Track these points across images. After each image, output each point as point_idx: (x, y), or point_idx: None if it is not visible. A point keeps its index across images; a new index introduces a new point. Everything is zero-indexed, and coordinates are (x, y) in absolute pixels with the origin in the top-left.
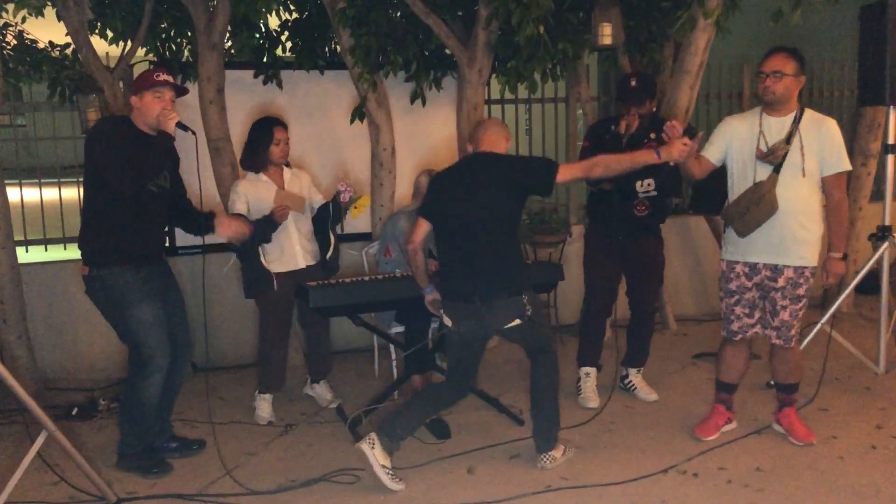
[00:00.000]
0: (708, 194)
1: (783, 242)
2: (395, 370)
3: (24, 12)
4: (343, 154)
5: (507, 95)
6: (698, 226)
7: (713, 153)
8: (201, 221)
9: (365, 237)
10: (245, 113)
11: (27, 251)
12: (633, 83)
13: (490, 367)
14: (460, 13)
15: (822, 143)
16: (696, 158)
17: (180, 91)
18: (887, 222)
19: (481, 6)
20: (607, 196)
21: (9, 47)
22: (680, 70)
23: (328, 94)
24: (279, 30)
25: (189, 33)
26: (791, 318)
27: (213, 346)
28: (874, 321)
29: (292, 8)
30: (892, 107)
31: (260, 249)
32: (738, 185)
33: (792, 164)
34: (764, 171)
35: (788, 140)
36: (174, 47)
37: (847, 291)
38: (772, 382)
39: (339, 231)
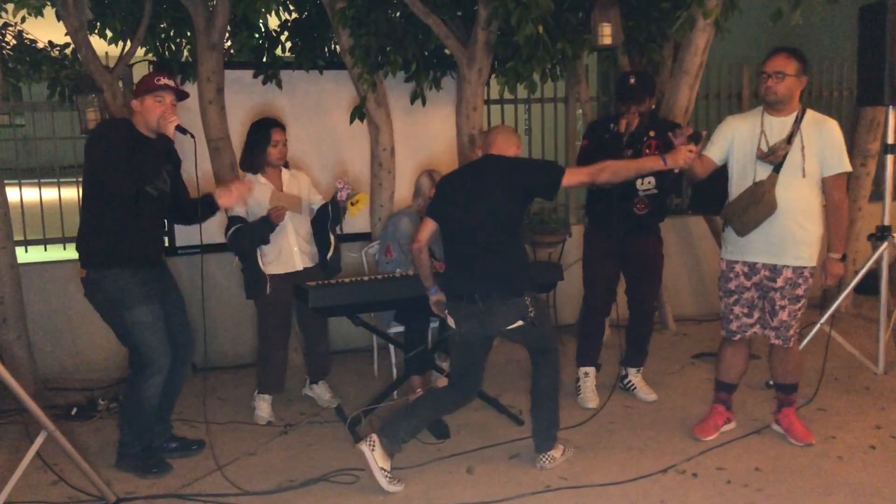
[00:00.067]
0: (707, 194)
1: (782, 242)
2: (394, 370)
3: (23, 12)
4: (342, 154)
5: (507, 95)
6: (698, 226)
7: (715, 153)
8: (202, 207)
9: (364, 237)
10: (244, 113)
11: (27, 251)
12: (633, 81)
13: (489, 367)
14: (460, 13)
15: (822, 143)
16: (699, 158)
17: (181, 95)
18: (886, 222)
19: (481, 6)
20: (607, 195)
21: (8, 47)
22: (679, 70)
23: (328, 95)
24: (279, 30)
25: (188, 33)
26: (790, 318)
27: (213, 346)
28: (873, 321)
29: (292, 8)
30: (891, 107)
31: (258, 251)
32: (738, 185)
33: (792, 165)
34: (764, 171)
35: (789, 140)
36: (173, 47)
37: (846, 291)
38: (771, 382)
39: (338, 231)
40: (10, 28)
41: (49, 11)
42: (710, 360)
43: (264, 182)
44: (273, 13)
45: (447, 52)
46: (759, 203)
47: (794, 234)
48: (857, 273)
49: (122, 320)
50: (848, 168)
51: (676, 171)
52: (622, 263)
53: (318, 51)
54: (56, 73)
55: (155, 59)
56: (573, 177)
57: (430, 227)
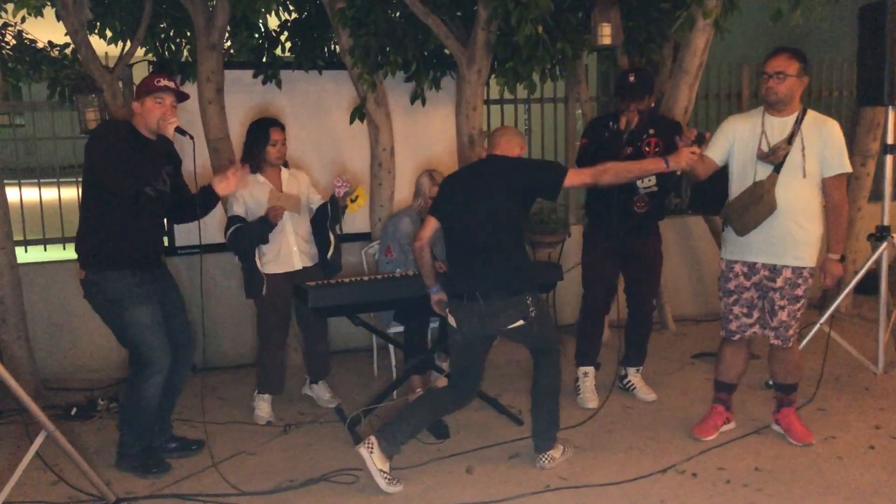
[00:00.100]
0: (707, 194)
1: (782, 242)
2: (394, 370)
3: (23, 12)
4: (342, 154)
5: (507, 95)
6: (697, 226)
7: (717, 153)
8: (201, 198)
9: (364, 237)
10: (244, 113)
11: (26, 251)
12: (632, 79)
13: (489, 366)
14: (459, 13)
15: (823, 143)
16: (700, 158)
17: (181, 96)
18: (886, 222)
19: (480, 6)
20: (606, 193)
21: (8, 47)
22: (679, 70)
23: (327, 95)
24: (278, 30)
25: (188, 33)
26: (789, 318)
27: (213, 346)
28: (873, 321)
29: (291, 8)
30: (890, 107)
31: (256, 251)
32: (738, 185)
33: (793, 165)
34: (765, 171)
35: (790, 140)
36: (173, 47)
37: (846, 292)
38: (770, 382)
39: (338, 231)
40: (10, 28)
41: (49, 11)
42: (709, 360)
43: (263, 181)
44: (273, 13)
45: (447, 52)
46: (759, 203)
47: (793, 234)
48: (856, 273)
49: (121, 321)
50: (848, 169)
51: (679, 172)
52: (622, 263)
53: (318, 51)
54: (56, 74)
55: (155, 59)
56: (576, 177)
57: (432, 225)
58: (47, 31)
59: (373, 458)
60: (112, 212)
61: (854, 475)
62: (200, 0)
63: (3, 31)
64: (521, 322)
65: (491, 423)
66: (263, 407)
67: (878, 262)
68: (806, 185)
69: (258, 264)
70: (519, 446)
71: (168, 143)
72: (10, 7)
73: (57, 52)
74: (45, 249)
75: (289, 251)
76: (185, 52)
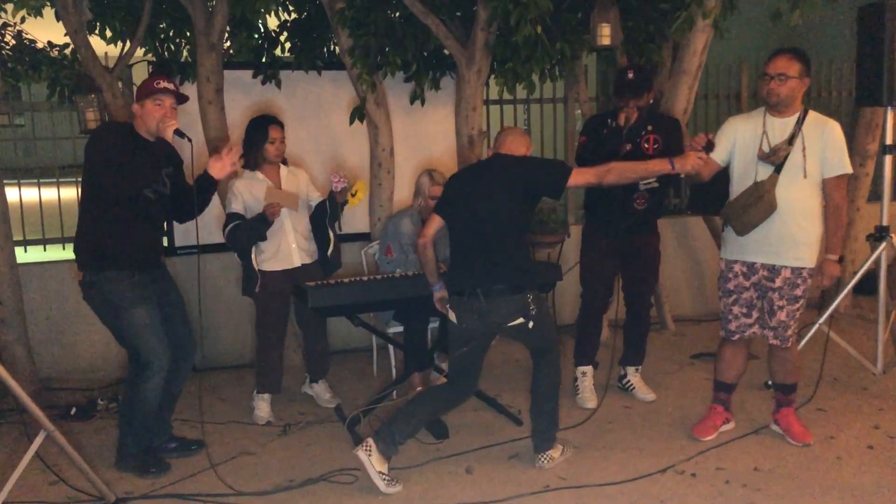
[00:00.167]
0: (706, 194)
1: (781, 243)
2: (393, 370)
3: (23, 12)
4: (342, 155)
5: (506, 96)
6: (696, 226)
7: (719, 154)
8: (198, 187)
9: (364, 237)
10: (244, 113)
11: (26, 251)
12: (631, 75)
13: (488, 366)
14: (459, 14)
15: (824, 144)
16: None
17: (181, 98)
18: (885, 223)
19: (480, 7)
20: (607, 190)
21: (8, 47)
22: (678, 71)
23: (327, 95)
24: (278, 30)
25: (188, 33)
26: (788, 318)
27: (213, 346)
28: (872, 321)
29: (291, 8)
30: (889, 108)
31: (253, 249)
32: (739, 185)
33: (793, 165)
34: (765, 172)
35: (791, 141)
36: (173, 47)
37: (845, 292)
38: (770, 383)
39: (338, 230)
40: (10, 28)
41: (49, 12)
42: (708, 360)
43: (262, 179)
44: (272, 13)
45: (446, 52)
46: (759, 203)
47: (793, 234)
48: (855, 273)
49: (119, 322)
50: (849, 170)
51: (683, 175)
52: (620, 260)
53: (318, 51)
54: (55, 74)
55: (154, 59)
56: (580, 177)
57: (436, 222)
58: (47, 31)
59: (371, 460)
60: (111, 213)
61: (853, 475)
62: (200, 0)
63: (3, 31)
64: (521, 320)
65: (490, 424)
66: (263, 407)
67: (876, 263)
68: (806, 185)
69: (254, 262)
70: (518, 446)
71: (168, 144)
72: (9, 7)
73: (57, 53)
74: (45, 249)
75: (288, 248)
76: (185, 53)
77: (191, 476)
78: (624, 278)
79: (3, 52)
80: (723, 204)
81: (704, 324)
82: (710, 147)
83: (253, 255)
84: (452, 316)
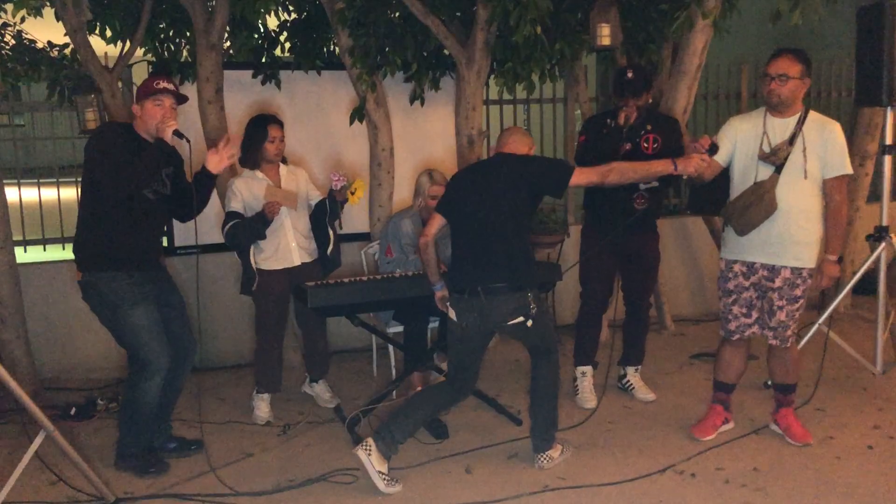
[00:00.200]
0: (706, 194)
1: (781, 243)
2: (393, 370)
3: (22, 12)
4: (342, 155)
5: (506, 96)
6: (696, 226)
7: (720, 154)
8: (197, 184)
9: (363, 237)
10: (243, 113)
11: (26, 251)
12: (630, 75)
13: (488, 366)
14: (459, 14)
15: (824, 145)
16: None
17: (180, 98)
18: (884, 223)
19: (479, 7)
20: (607, 190)
21: (7, 47)
22: (678, 71)
23: (327, 95)
24: (278, 30)
25: (188, 33)
26: (787, 318)
27: (212, 346)
28: (871, 322)
29: (291, 8)
30: (889, 108)
31: (252, 247)
32: (739, 185)
33: (794, 166)
34: (766, 172)
35: (791, 141)
36: (173, 47)
37: (844, 292)
38: (769, 383)
39: (339, 229)
40: (10, 28)
41: (48, 12)
42: (708, 360)
43: (261, 178)
44: (272, 13)
45: (446, 52)
46: (760, 203)
47: (793, 234)
48: (855, 273)
49: (118, 322)
50: (849, 170)
51: (685, 176)
52: (619, 260)
53: (318, 51)
54: (55, 74)
55: (154, 59)
56: (582, 176)
57: (437, 221)
58: (47, 31)
59: (371, 460)
60: (110, 213)
61: (852, 475)
62: (200, 0)
63: (3, 31)
64: (521, 318)
65: (490, 423)
66: (262, 407)
67: (876, 263)
68: (807, 186)
69: (252, 261)
70: (518, 446)
71: (167, 144)
72: (9, 7)
73: (56, 53)
74: (45, 249)
75: (287, 247)
76: (185, 53)
77: (191, 476)
78: (623, 278)
79: (3, 52)
80: (723, 204)
81: (704, 324)
82: (713, 150)
83: (251, 254)
84: (453, 314)
